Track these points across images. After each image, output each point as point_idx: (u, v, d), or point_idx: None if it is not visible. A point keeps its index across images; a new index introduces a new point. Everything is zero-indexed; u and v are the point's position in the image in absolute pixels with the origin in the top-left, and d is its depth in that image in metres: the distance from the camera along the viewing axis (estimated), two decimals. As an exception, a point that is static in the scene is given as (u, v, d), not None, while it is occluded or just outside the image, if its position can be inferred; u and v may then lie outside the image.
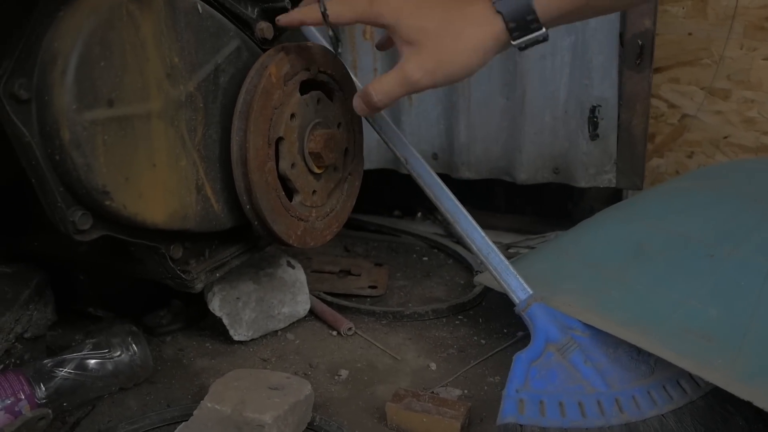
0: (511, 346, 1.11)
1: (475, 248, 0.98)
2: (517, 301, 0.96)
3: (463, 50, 0.75)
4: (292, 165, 0.92)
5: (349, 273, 1.35)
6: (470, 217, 0.99)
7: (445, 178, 1.44)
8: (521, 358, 0.90)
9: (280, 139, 0.90)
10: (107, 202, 0.74)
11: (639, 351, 0.94)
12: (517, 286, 0.96)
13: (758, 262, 0.95)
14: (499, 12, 0.73)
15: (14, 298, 0.98)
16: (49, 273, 1.05)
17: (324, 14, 0.82)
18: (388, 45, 0.94)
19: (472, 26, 0.74)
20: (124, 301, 1.22)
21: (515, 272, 0.97)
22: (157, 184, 0.80)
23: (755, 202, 1.06)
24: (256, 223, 0.90)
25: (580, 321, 0.95)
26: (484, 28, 0.75)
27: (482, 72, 1.32)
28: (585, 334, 0.95)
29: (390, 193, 1.64)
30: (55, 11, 0.72)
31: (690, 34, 1.49)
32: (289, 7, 0.97)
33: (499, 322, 1.18)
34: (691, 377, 0.93)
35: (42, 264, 1.05)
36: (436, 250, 1.48)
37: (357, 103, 0.85)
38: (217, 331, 1.16)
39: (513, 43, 0.76)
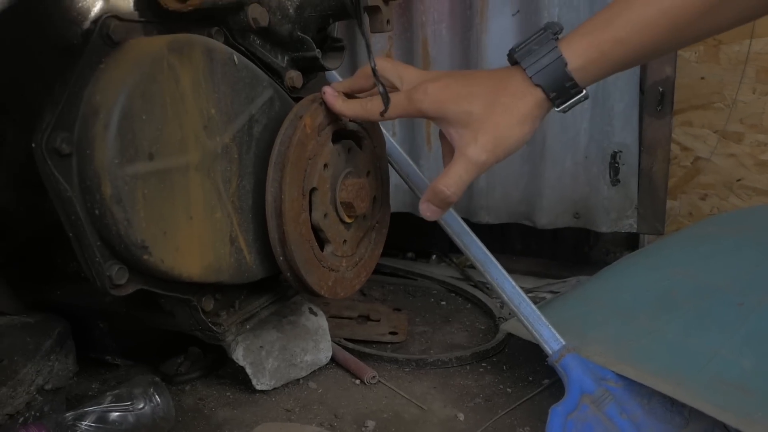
0: (538, 395, 1.09)
1: (506, 297, 0.97)
2: (549, 351, 0.95)
3: (515, 123, 0.75)
4: (325, 215, 0.91)
5: (368, 318, 1.33)
6: (500, 266, 0.98)
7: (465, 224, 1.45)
8: (557, 411, 0.89)
9: (313, 190, 0.89)
10: (145, 257, 0.73)
11: (673, 402, 0.93)
12: (549, 336, 0.95)
13: (790, 311, 0.95)
14: (537, 85, 0.74)
15: (36, 348, 0.96)
16: (69, 321, 1.03)
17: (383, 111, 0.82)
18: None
19: (515, 100, 0.75)
20: (141, 348, 1.20)
21: (547, 323, 0.96)
22: (193, 237, 0.79)
23: (780, 250, 1.07)
24: (288, 274, 0.89)
25: (613, 372, 0.94)
26: (526, 100, 0.75)
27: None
28: (619, 385, 0.94)
29: (404, 236, 1.63)
30: (97, 63, 0.72)
31: (703, 78, 1.51)
32: (319, 57, 0.98)
33: (523, 369, 1.17)
34: (726, 428, 0.91)
35: (63, 313, 1.03)
36: (453, 294, 1.47)
37: (426, 207, 0.82)
38: (237, 379, 1.14)
39: (557, 110, 0.77)
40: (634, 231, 1.30)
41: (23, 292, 1.01)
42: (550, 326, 0.96)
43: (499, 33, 1.28)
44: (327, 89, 0.88)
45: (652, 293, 1.06)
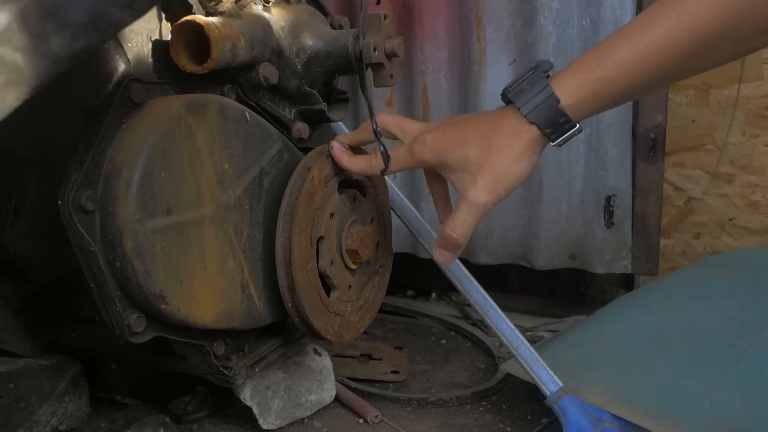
0: (537, 434, 1.12)
1: (504, 340, 1.01)
2: (547, 393, 0.98)
3: (512, 161, 0.78)
4: (331, 262, 0.95)
5: (370, 357, 1.36)
6: (498, 309, 1.02)
7: (464, 263, 1.48)
8: (556, 452, 0.92)
9: (320, 238, 0.93)
10: (163, 306, 0.77)
11: (668, 442, 0.96)
12: (547, 378, 0.99)
13: (779, 354, 0.99)
14: (532, 122, 0.78)
15: (51, 390, 0.99)
16: (82, 363, 1.06)
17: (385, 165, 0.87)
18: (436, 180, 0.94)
19: (511, 139, 0.78)
20: (150, 387, 1.22)
21: (545, 365, 0.99)
22: (207, 286, 0.83)
23: (769, 292, 1.10)
24: (296, 319, 0.92)
25: (609, 413, 0.97)
26: (522, 137, 0.79)
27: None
28: (615, 426, 0.97)
29: (405, 275, 1.67)
30: (119, 124, 0.76)
31: (694, 121, 1.56)
32: (325, 110, 1.02)
33: (522, 408, 1.20)
34: (719, 469, 0.94)
35: (75, 354, 1.06)
36: (453, 333, 1.50)
37: (438, 253, 0.86)
38: (243, 418, 1.16)
39: (552, 144, 0.80)
40: (629, 272, 1.34)
41: (39, 334, 1.04)
42: (547, 368, 0.99)
43: (497, 81, 1.33)
44: (335, 144, 0.93)
45: (646, 334, 1.10)
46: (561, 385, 0.98)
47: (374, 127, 0.86)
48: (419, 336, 1.50)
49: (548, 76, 0.78)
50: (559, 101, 0.75)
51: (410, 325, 1.55)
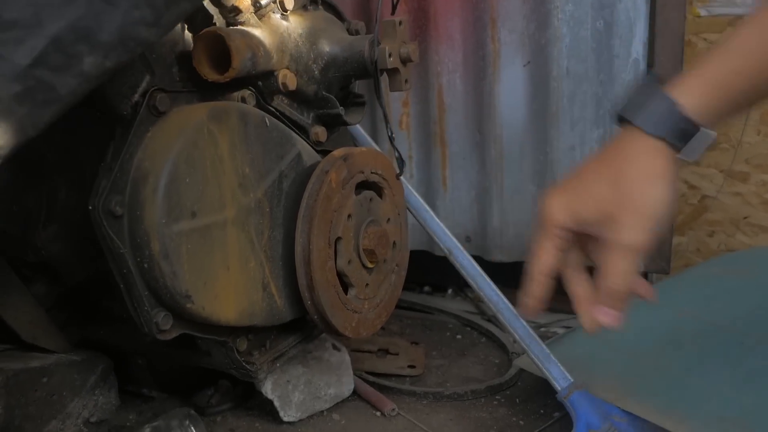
0: (549, 427, 1.15)
1: (518, 337, 1.04)
2: (558, 388, 1.01)
3: (647, 188, 0.68)
4: (349, 261, 0.99)
5: (387, 352, 1.40)
6: (512, 308, 1.05)
7: (478, 260, 1.51)
8: (566, 446, 0.95)
9: (338, 239, 0.97)
10: (189, 305, 0.81)
11: (676, 436, 0.98)
12: (558, 374, 1.02)
13: (787, 351, 1.01)
14: (657, 137, 0.67)
15: (82, 384, 1.04)
16: (111, 358, 1.11)
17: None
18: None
19: (639, 162, 0.69)
20: (175, 381, 1.27)
21: (556, 361, 1.02)
22: (230, 286, 0.87)
23: (779, 291, 1.12)
24: (315, 317, 0.96)
25: (618, 407, 1.00)
26: (650, 157, 0.68)
27: (514, 160, 1.40)
28: (624, 420, 0.99)
29: (421, 271, 1.70)
30: (145, 132, 0.81)
31: (708, 119, 1.57)
32: (342, 113, 1.06)
33: (535, 402, 1.23)
34: (726, 462, 0.97)
35: (104, 349, 1.11)
36: (468, 328, 1.53)
37: (604, 314, 0.72)
38: (264, 410, 1.20)
39: (685, 158, 0.70)
40: (642, 270, 1.36)
41: (70, 331, 1.09)
42: (559, 364, 1.02)
43: (511, 82, 1.35)
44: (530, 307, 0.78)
45: (658, 332, 1.12)
46: (571, 380, 1.01)
47: (390, 134, 0.89)
48: (435, 331, 1.53)
49: (663, 85, 0.68)
50: (682, 107, 0.66)
51: (426, 320, 1.59)
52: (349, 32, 1.14)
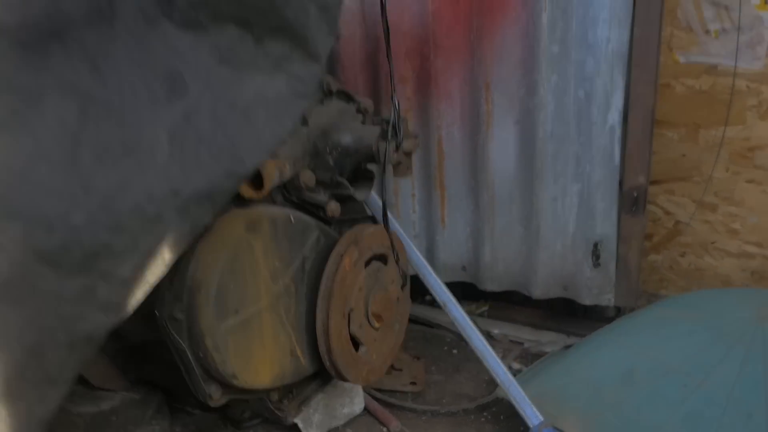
0: (527, 443, 1.38)
1: (499, 381, 1.26)
2: (531, 425, 1.24)
3: None
4: (360, 326, 1.20)
5: (392, 367, 1.62)
6: (495, 356, 1.27)
7: (472, 288, 1.72)
8: (533, 477, 1.19)
9: (351, 310, 1.18)
10: (234, 381, 1.03)
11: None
12: (531, 413, 1.24)
13: (719, 397, 1.22)
14: None
15: (142, 417, 1.27)
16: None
17: None
18: None
19: None
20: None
21: (530, 402, 1.25)
22: (265, 360, 1.08)
23: (722, 337, 1.32)
24: (333, 372, 1.18)
25: (580, 442, 1.23)
26: None
27: (504, 204, 1.59)
28: (584, 452, 1.22)
29: (422, 284, 1.91)
30: (194, 246, 1.00)
31: (684, 155, 1.75)
32: (353, 194, 1.25)
33: (517, 418, 1.45)
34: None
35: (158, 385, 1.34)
36: (464, 343, 1.75)
37: None
38: (289, 426, 1.44)
39: None
40: (612, 305, 1.57)
41: (127, 369, 1.32)
42: (532, 406, 1.24)
43: (503, 139, 1.53)
44: None
45: (617, 370, 1.33)
46: (541, 420, 1.23)
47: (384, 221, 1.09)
48: (434, 345, 1.75)
49: None
50: None
51: (427, 333, 1.81)
52: (359, 111, 1.32)
